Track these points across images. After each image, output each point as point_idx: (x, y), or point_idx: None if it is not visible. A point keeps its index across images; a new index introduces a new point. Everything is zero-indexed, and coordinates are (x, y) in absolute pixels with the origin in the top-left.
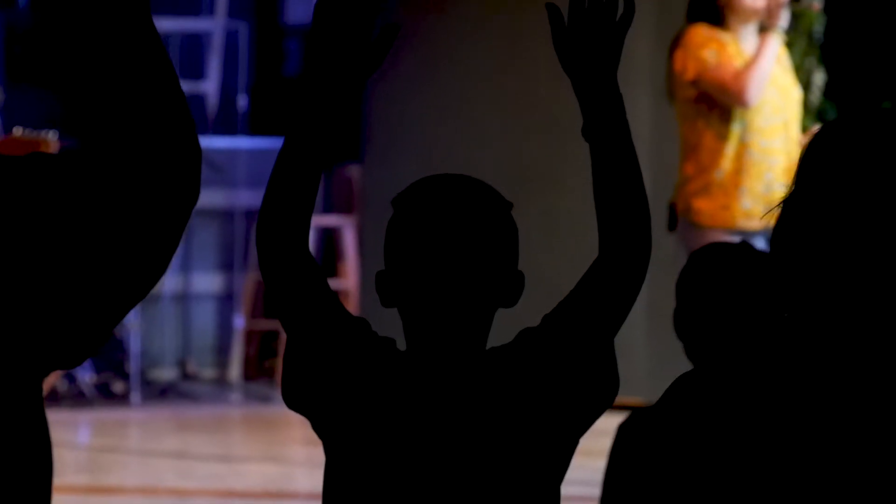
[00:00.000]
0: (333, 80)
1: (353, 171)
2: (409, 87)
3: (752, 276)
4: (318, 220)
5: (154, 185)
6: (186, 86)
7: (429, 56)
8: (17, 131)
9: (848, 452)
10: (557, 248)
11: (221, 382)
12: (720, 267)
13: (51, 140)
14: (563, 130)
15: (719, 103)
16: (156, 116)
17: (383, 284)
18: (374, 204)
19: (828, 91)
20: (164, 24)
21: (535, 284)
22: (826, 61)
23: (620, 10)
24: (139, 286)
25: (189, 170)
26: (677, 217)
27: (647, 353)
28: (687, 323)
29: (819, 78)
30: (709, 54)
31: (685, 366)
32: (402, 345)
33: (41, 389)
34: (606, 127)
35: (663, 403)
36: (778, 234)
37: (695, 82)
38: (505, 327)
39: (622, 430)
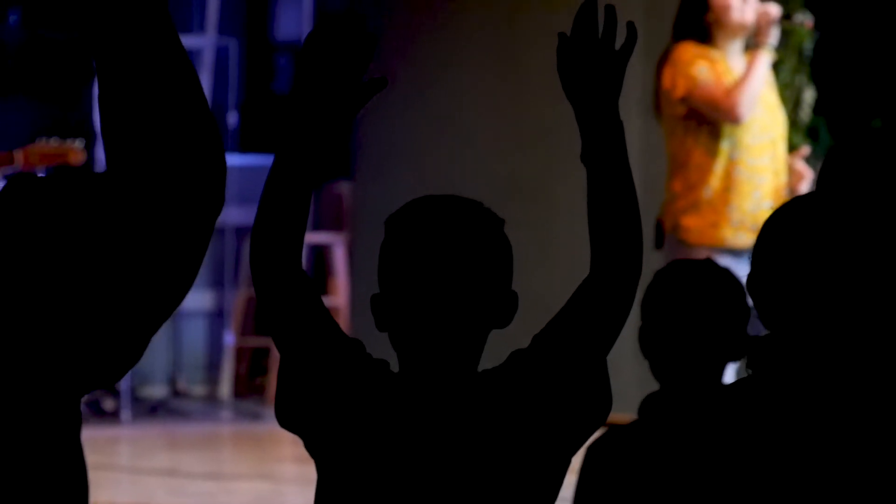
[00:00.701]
0: (325, 103)
1: (344, 187)
2: (400, 103)
3: (716, 294)
4: (309, 238)
5: (183, 200)
6: None
7: (420, 73)
8: (43, 141)
9: (821, 468)
10: (549, 265)
11: (212, 400)
12: (683, 285)
13: (78, 149)
14: (555, 147)
15: (708, 120)
16: (184, 131)
17: (379, 307)
18: (365, 221)
19: (818, 108)
20: None
21: (526, 301)
22: (816, 78)
23: (622, 40)
24: (171, 299)
25: (216, 182)
26: (664, 234)
27: (637, 370)
28: (651, 341)
29: (809, 95)
30: (699, 71)
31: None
32: (395, 366)
33: (79, 411)
34: (605, 154)
35: (634, 423)
36: (759, 253)
37: (684, 99)
38: (495, 344)
39: (592, 449)
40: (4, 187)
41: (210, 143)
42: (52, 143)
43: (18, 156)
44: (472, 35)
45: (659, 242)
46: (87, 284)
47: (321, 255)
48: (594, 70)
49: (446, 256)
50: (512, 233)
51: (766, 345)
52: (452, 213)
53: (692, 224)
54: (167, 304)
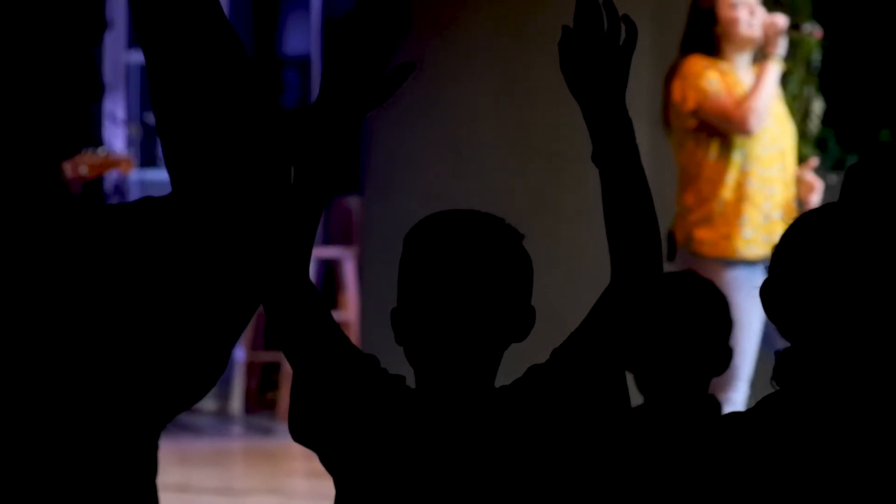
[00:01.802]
0: (342, 109)
1: (353, 202)
2: (409, 117)
3: (698, 307)
4: (318, 252)
5: (250, 212)
6: None
7: (429, 87)
8: (90, 150)
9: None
10: (557, 277)
11: (223, 415)
12: (665, 298)
13: (128, 159)
14: (562, 160)
15: (719, 132)
16: (247, 152)
17: (398, 321)
18: (375, 235)
19: (826, 119)
20: None
21: (537, 314)
22: (824, 90)
23: (624, 34)
24: (249, 307)
25: (277, 191)
26: (676, 247)
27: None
28: (635, 354)
29: (818, 106)
30: (709, 83)
31: None
32: (410, 382)
33: (159, 435)
34: (616, 152)
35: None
36: (777, 265)
37: (695, 112)
38: (506, 356)
39: None
40: (87, 212)
41: (273, 162)
42: (101, 153)
43: (66, 166)
44: (479, 51)
45: (671, 255)
46: (171, 302)
47: (331, 269)
48: (598, 64)
49: (467, 271)
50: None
51: (789, 358)
52: (473, 228)
53: (705, 236)
54: (246, 311)
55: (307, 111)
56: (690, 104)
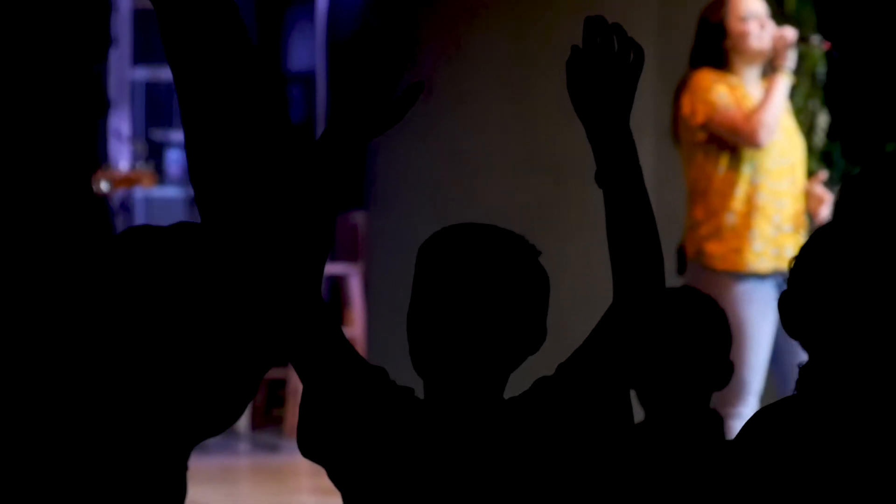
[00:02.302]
0: (353, 134)
1: (359, 218)
2: (414, 133)
3: (697, 322)
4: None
5: (286, 245)
6: None
7: (434, 103)
8: (112, 164)
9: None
10: (562, 292)
11: (229, 432)
12: (665, 313)
13: (150, 174)
14: (566, 176)
15: (729, 146)
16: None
17: (412, 327)
18: (380, 251)
19: (831, 133)
20: (169, 74)
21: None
22: (829, 103)
23: (631, 56)
24: (277, 339)
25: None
26: (686, 260)
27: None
28: (636, 370)
29: (823, 120)
30: (719, 97)
31: None
32: (419, 393)
33: (188, 458)
34: (620, 172)
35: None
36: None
37: (704, 125)
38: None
39: None
40: (122, 235)
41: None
42: (122, 168)
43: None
44: (483, 67)
45: (681, 268)
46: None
47: (336, 285)
48: (605, 86)
49: (484, 285)
50: None
51: (809, 371)
52: (492, 242)
53: (715, 250)
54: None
55: (320, 136)
56: (700, 118)
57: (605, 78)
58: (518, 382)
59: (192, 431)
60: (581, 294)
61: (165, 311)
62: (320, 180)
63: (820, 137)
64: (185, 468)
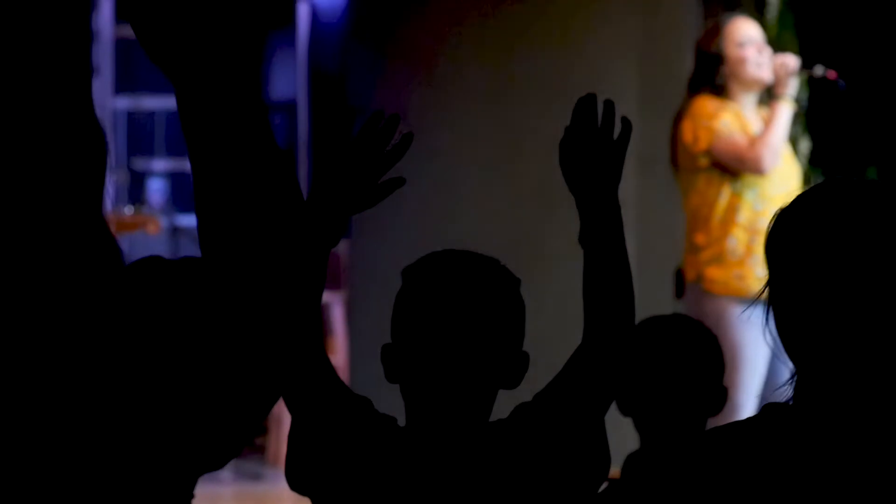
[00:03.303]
0: (331, 212)
1: (341, 246)
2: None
3: (689, 348)
4: None
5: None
6: (174, 164)
7: (417, 131)
8: (118, 209)
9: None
10: (545, 320)
11: None
12: (657, 340)
13: (155, 219)
14: (549, 205)
15: (731, 172)
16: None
17: (389, 358)
18: (363, 280)
19: (813, 158)
20: (150, 103)
21: (530, 352)
22: (811, 128)
23: (617, 130)
24: (280, 372)
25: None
26: (685, 284)
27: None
28: (628, 398)
29: (805, 146)
30: (721, 124)
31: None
32: (402, 421)
33: (192, 492)
34: (602, 238)
35: (618, 484)
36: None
37: (707, 151)
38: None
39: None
40: (133, 267)
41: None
42: (128, 212)
43: None
44: (467, 95)
45: (679, 292)
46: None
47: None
48: (593, 160)
49: (461, 313)
50: None
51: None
52: (470, 270)
53: (717, 276)
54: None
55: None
56: (702, 144)
57: (594, 156)
58: (501, 409)
59: (198, 462)
60: (562, 321)
61: (175, 341)
62: (300, 253)
63: (802, 163)
64: (190, 497)
